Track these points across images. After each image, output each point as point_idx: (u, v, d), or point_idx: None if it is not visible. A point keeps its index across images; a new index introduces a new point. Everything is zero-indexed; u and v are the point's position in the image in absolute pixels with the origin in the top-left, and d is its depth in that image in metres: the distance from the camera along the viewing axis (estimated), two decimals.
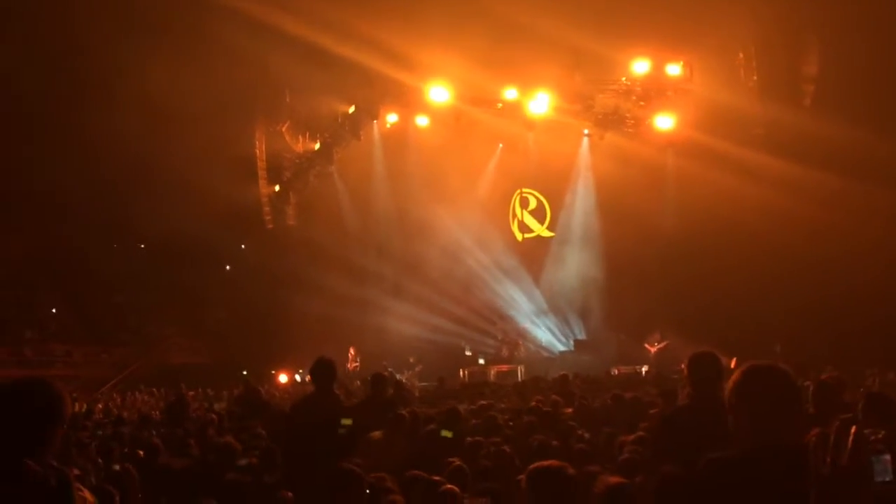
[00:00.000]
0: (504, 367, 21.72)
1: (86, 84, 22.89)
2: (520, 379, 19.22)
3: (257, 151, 26.31)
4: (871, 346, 15.23)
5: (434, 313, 23.53)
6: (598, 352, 21.82)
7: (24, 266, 26.34)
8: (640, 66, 21.46)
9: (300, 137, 26.01)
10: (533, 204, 25.79)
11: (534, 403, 9.13)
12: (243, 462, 5.84)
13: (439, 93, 22.18)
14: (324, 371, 6.04)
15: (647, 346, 21.01)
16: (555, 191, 25.13)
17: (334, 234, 24.95)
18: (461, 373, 21.44)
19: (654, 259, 21.44)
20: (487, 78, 22.01)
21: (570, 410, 8.74)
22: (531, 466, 3.49)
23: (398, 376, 17.67)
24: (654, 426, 4.96)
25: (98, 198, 25.38)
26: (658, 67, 21.38)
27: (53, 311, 28.63)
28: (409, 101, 23.44)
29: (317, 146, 25.72)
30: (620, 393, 9.42)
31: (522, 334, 23.91)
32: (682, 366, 4.89)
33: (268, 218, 26.91)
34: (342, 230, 25.46)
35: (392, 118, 24.38)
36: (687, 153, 21.05)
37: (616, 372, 19.69)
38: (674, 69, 21.34)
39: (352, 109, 24.22)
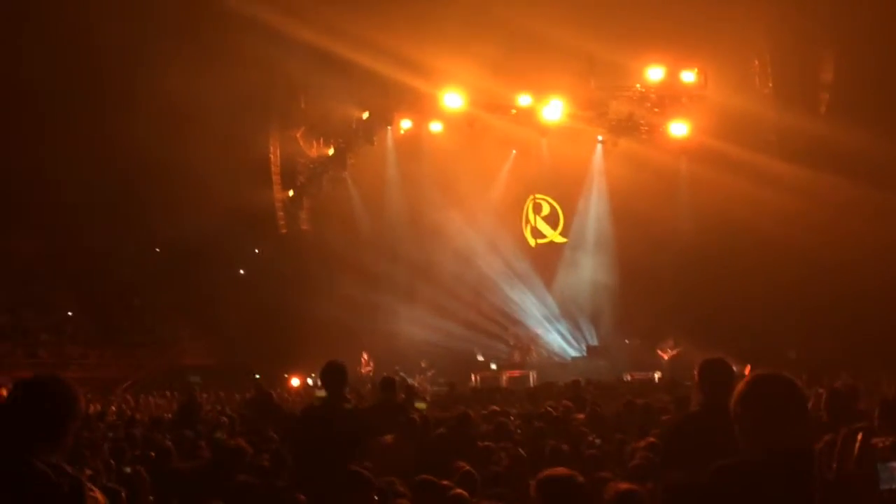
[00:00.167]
0: (516, 373, 21.68)
1: (104, 88, 23.13)
2: (532, 384, 19.20)
3: (272, 156, 26.48)
4: (888, 351, 15.08)
5: (446, 318, 23.54)
6: (611, 358, 21.75)
7: (40, 269, 26.59)
8: (655, 73, 21.42)
9: (314, 143, 26.14)
10: (546, 209, 25.76)
11: (545, 409, 9.12)
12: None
13: (453, 99, 22.23)
14: (334, 375, 6.05)
15: (659, 352, 20.92)
16: (568, 196, 25.09)
17: (347, 239, 25.04)
18: (473, 378, 21.43)
19: (667, 265, 21.36)
20: (501, 84, 22.06)
21: (581, 416, 8.72)
22: (541, 475, 3.48)
23: (410, 381, 17.68)
24: (665, 432, 4.94)
25: (115, 201, 25.61)
26: (673, 74, 21.33)
27: (69, 313, 28.86)
28: (423, 108, 23.52)
29: (331, 151, 25.83)
30: (632, 399, 9.39)
31: (535, 339, 23.86)
32: (694, 372, 4.88)
33: (282, 223, 27.06)
34: (355, 235, 25.54)
35: (406, 124, 24.46)
36: (701, 159, 20.98)
37: (629, 378, 19.61)
38: (688, 76, 21.30)
39: (366, 115, 24.31)
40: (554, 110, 22.09)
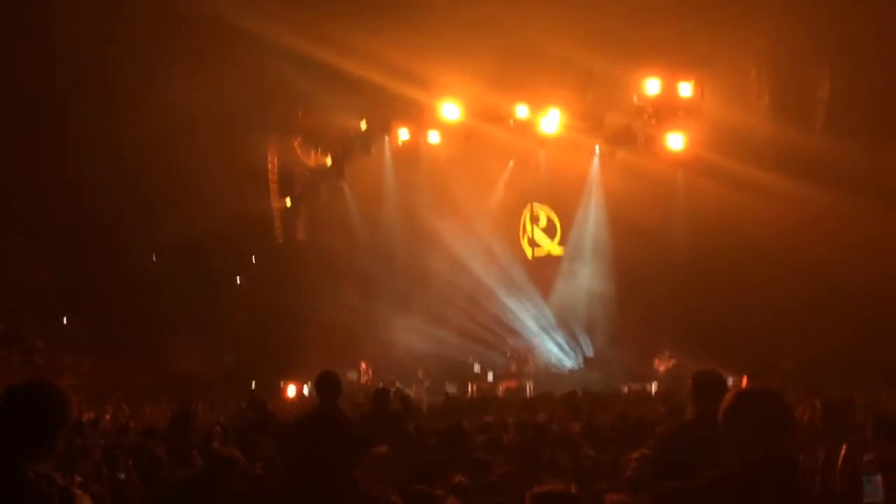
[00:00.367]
0: (513, 383, 21.66)
1: (102, 96, 23.12)
2: (528, 395, 19.17)
3: (270, 165, 26.50)
4: (889, 366, 15.04)
5: (443, 327, 23.54)
6: (608, 369, 21.71)
7: (36, 276, 26.53)
8: (652, 86, 21.47)
9: (312, 152, 26.19)
10: (543, 219, 25.79)
11: (540, 419, 9.12)
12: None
13: (451, 110, 22.32)
14: (328, 385, 6.07)
15: (656, 362, 20.90)
16: (565, 206, 25.13)
17: (345, 248, 25.05)
18: (469, 388, 21.39)
19: (664, 276, 21.37)
20: (499, 95, 22.15)
21: (577, 427, 8.71)
22: (534, 490, 3.48)
23: (406, 391, 17.65)
24: (658, 442, 4.95)
25: (112, 209, 25.58)
26: (669, 87, 21.38)
27: (65, 321, 28.78)
28: (420, 118, 23.60)
29: (328, 161, 25.88)
30: (626, 410, 9.39)
31: (531, 350, 23.84)
32: (688, 381, 4.89)
33: (278, 232, 27.05)
34: (352, 244, 25.54)
35: (404, 134, 24.51)
36: (698, 171, 21.04)
37: (627, 389, 19.58)
38: (685, 89, 21.35)
39: (364, 125, 24.39)
40: (551, 121, 22.17)
